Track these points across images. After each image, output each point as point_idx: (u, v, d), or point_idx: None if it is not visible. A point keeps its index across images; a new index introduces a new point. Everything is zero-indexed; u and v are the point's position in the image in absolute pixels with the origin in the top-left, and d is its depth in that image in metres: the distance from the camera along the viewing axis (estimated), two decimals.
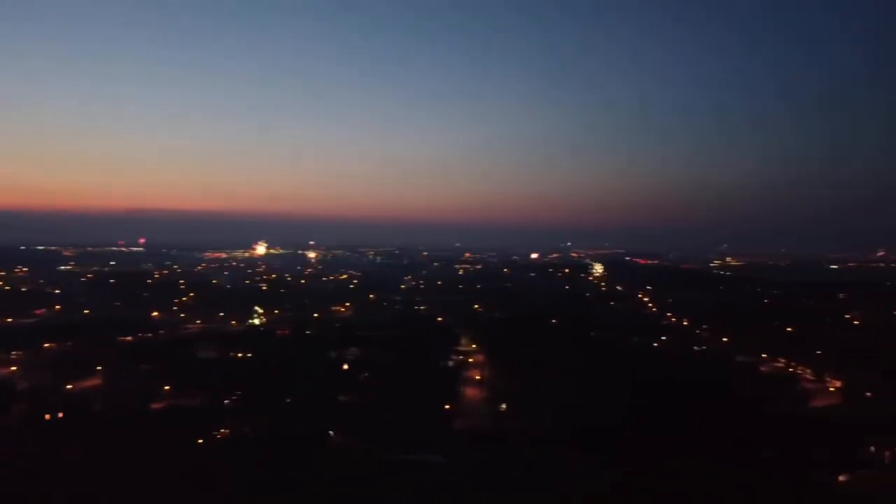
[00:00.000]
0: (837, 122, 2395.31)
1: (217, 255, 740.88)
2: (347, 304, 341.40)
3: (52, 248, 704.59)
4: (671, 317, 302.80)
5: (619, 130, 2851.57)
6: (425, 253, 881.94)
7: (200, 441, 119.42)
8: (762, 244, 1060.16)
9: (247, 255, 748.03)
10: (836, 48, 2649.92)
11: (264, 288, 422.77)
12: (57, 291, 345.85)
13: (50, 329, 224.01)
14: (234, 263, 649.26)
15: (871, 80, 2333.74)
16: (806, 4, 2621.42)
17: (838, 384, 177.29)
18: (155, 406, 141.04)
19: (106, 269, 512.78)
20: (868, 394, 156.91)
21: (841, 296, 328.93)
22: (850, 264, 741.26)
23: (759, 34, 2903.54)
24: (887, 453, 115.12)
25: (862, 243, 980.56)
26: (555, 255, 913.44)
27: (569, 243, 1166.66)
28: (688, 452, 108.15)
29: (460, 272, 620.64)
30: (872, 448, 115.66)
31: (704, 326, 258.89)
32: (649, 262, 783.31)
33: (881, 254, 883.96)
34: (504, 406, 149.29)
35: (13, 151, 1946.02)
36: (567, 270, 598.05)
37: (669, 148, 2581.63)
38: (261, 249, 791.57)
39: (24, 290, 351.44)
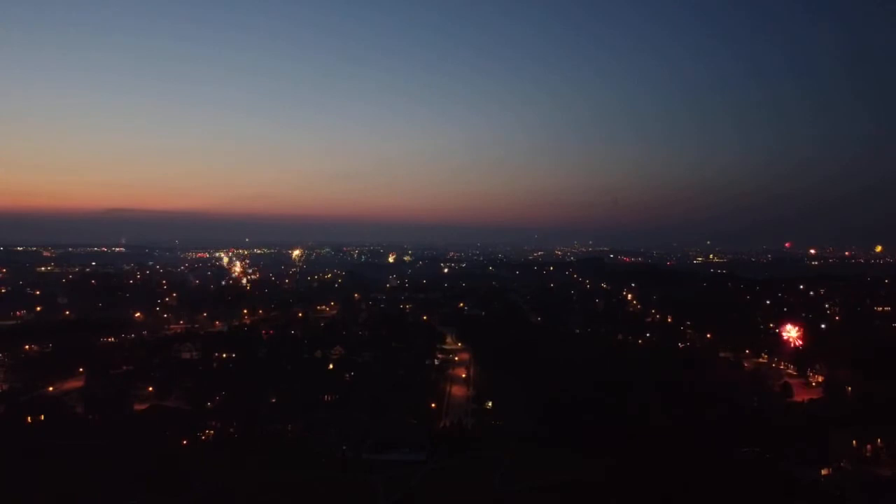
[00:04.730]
0: (819, 120, 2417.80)
1: (200, 254, 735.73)
2: (332, 303, 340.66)
3: (32, 248, 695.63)
4: (655, 313, 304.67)
5: (604, 130, 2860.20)
6: (410, 251, 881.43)
7: (185, 442, 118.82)
8: (744, 241, 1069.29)
9: (230, 254, 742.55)
10: (817, 48, 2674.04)
11: (248, 287, 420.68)
12: (37, 293, 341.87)
13: (30, 331, 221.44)
14: (217, 263, 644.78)
15: (853, 78, 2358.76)
16: (786, 5, 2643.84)
17: (819, 379, 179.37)
18: (138, 407, 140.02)
19: (87, 269, 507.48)
20: (848, 388, 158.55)
21: (822, 291, 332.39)
22: (831, 261, 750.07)
23: (739, 34, 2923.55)
24: (868, 447, 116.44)
25: (841, 240, 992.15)
26: (539, 253, 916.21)
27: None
28: (673, 447, 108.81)
29: (445, 270, 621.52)
30: (854, 442, 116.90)
31: (688, 323, 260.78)
32: (633, 259, 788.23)
33: (848, 253, 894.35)
34: (490, 404, 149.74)
35: None
36: (552, 268, 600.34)
37: (652, 147, 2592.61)
38: (244, 249, 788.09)
39: (3, 291, 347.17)
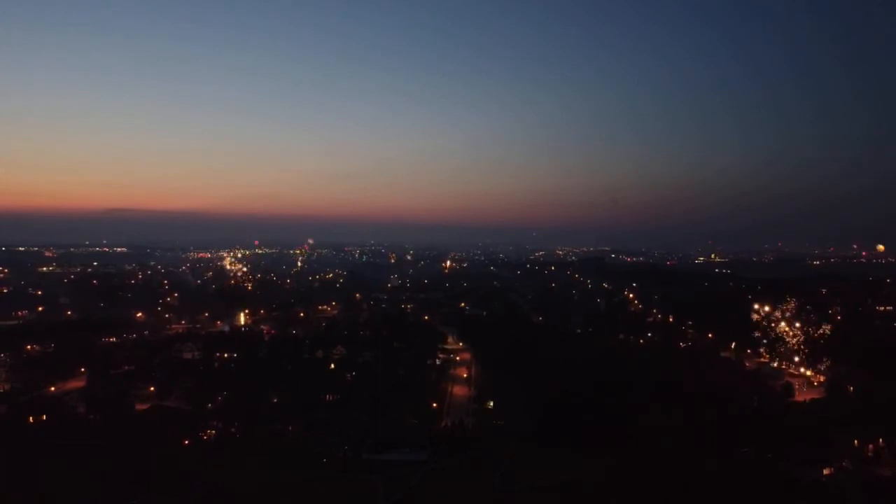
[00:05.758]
0: (819, 120, 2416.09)
1: (202, 254, 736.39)
2: (333, 302, 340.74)
3: (34, 248, 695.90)
4: (656, 313, 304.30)
5: (604, 130, 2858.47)
6: (411, 251, 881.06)
7: (186, 442, 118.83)
8: (745, 241, 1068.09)
9: (232, 254, 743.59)
10: (817, 48, 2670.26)
11: (249, 287, 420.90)
12: (39, 293, 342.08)
13: (32, 331, 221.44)
14: (219, 263, 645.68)
15: (853, 78, 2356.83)
16: (786, 6, 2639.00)
17: (821, 378, 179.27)
18: (139, 407, 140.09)
19: (89, 269, 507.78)
20: (850, 388, 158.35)
21: (823, 291, 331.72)
22: (832, 260, 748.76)
23: (739, 34, 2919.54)
24: (870, 446, 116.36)
25: (842, 240, 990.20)
26: (540, 253, 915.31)
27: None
28: (673, 447, 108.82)
29: (446, 270, 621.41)
30: (855, 442, 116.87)
31: (689, 323, 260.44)
32: (634, 259, 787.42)
33: (855, 247, 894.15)
34: (490, 404, 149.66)
35: None
36: (553, 268, 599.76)
37: (652, 147, 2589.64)
38: (245, 249, 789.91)
39: (4, 291, 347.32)
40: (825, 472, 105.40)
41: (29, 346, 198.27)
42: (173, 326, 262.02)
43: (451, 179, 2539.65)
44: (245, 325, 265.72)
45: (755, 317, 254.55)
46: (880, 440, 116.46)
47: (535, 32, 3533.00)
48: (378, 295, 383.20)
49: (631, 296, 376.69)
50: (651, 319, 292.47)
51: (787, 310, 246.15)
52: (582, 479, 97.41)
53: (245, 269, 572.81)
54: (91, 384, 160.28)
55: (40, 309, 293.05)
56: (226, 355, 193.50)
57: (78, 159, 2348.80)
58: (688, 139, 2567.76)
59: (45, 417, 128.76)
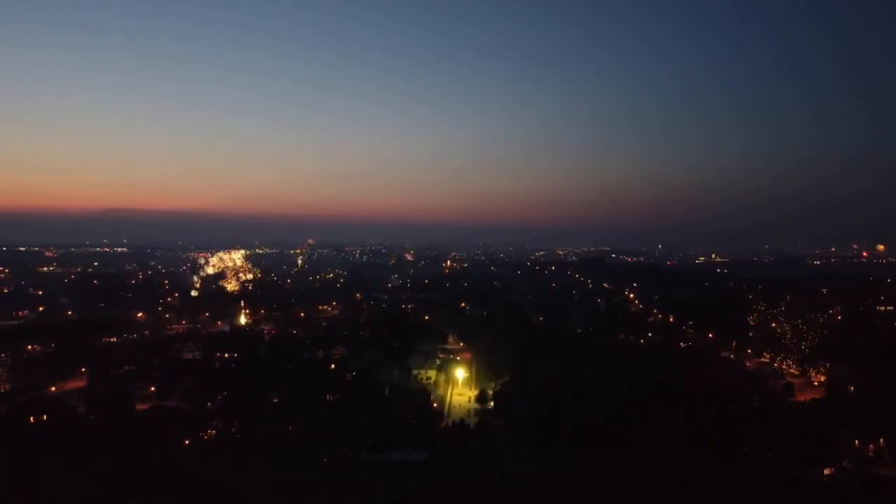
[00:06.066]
0: (819, 120, 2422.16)
1: (202, 254, 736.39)
2: (334, 302, 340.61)
3: (35, 248, 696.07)
4: (657, 313, 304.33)
5: (604, 130, 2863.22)
6: (412, 251, 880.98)
7: (186, 442, 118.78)
8: (745, 241, 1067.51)
9: (232, 254, 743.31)
10: (817, 48, 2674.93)
11: (250, 287, 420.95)
12: (40, 293, 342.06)
13: (32, 331, 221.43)
14: (219, 263, 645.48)
15: (853, 78, 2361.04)
16: (786, 6, 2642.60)
17: (821, 378, 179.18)
18: (140, 407, 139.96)
19: (89, 269, 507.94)
20: (850, 388, 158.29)
21: (823, 291, 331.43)
22: (832, 260, 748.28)
23: (739, 34, 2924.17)
24: (871, 446, 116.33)
25: (842, 240, 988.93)
26: (541, 253, 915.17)
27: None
28: (673, 447, 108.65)
29: (447, 270, 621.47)
30: (856, 442, 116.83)
31: (689, 323, 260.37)
32: (634, 259, 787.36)
33: (855, 247, 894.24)
34: (490, 404, 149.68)
35: None
36: (553, 268, 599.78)
37: (652, 147, 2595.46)
38: (246, 249, 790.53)
39: (5, 291, 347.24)
40: (825, 472, 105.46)
41: (29, 346, 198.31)
42: (173, 326, 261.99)
43: (451, 179, 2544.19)
44: (245, 325, 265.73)
45: (755, 317, 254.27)
46: (880, 440, 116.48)
47: (535, 32, 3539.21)
48: (378, 295, 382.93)
49: (631, 296, 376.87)
50: (651, 319, 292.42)
51: (787, 310, 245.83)
52: (582, 479, 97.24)
53: (246, 269, 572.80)
54: (91, 384, 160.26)
55: (41, 309, 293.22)
56: (226, 355, 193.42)
57: (78, 159, 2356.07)
58: (688, 139, 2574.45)
59: (45, 417, 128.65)
